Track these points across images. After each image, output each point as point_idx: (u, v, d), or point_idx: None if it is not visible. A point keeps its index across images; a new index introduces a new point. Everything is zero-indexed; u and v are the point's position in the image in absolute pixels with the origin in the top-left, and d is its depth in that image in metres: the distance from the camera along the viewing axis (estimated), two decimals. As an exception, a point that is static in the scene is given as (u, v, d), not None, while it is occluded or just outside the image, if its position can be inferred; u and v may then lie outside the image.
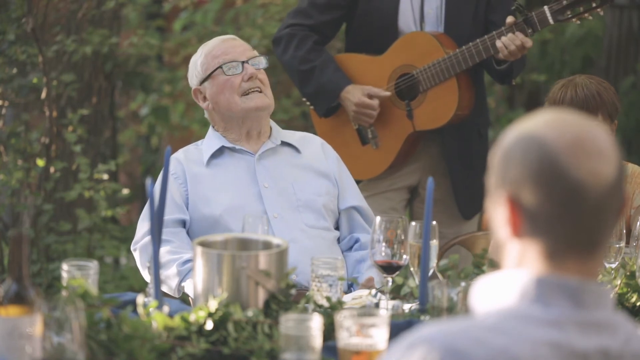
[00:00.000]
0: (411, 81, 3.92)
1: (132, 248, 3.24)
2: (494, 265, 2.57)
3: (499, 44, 3.74)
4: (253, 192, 3.29)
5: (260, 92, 3.32)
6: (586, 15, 3.76)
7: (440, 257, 2.73)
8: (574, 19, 3.78)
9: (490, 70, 3.94)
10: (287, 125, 5.36)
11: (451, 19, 3.94)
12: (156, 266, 2.39)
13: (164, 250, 3.10)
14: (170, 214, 3.19)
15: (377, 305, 2.60)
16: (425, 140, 4.04)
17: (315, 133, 4.19)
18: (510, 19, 3.75)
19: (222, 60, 3.32)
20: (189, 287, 3.05)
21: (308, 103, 4.09)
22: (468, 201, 4.06)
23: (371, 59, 3.98)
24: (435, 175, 4.02)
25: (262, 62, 3.35)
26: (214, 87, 3.33)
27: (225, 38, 3.40)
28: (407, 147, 4.01)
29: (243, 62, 3.31)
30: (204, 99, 3.36)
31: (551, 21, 3.75)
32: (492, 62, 3.84)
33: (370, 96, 3.92)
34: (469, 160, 4.04)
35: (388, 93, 3.93)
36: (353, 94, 3.93)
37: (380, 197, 4.10)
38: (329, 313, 2.33)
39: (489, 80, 4.96)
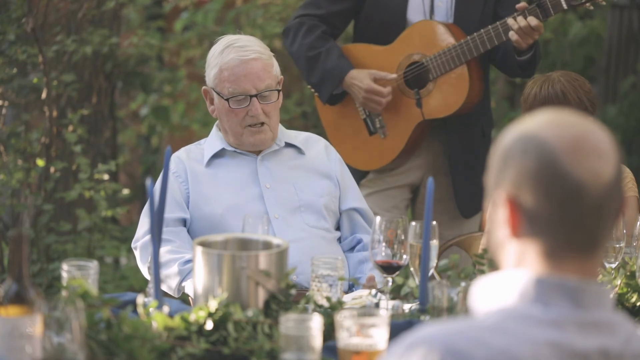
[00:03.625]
0: (420, 69, 3.91)
1: (132, 246, 3.24)
2: (494, 265, 2.57)
3: (510, 21, 3.73)
4: (254, 192, 3.28)
5: (263, 125, 3.27)
6: (599, 0, 3.74)
7: (437, 258, 2.72)
8: (587, 4, 3.75)
9: (511, 63, 3.88)
10: (287, 125, 5.36)
11: (461, 13, 3.93)
12: (156, 266, 2.39)
13: (164, 249, 3.10)
14: (171, 213, 3.19)
15: (377, 305, 2.60)
16: (430, 137, 4.03)
17: (320, 129, 4.19)
18: (521, 4, 3.73)
19: (231, 90, 3.24)
20: (189, 287, 3.05)
21: (313, 90, 4.07)
22: (468, 200, 4.05)
23: (380, 48, 3.98)
24: (438, 174, 4.02)
25: (273, 96, 3.27)
26: (220, 105, 3.30)
27: (244, 59, 3.24)
28: (416, 137, 3.98)
29: (252, 97, 3.25)
30: (212, 102, 3.35)
31: (565, 6, 3.73)
32: (513, 53, 3.82)
33: (376, 80, 3.90)
34: (471, 158, 4.03)
35: (394, 75, 3.91)
36: (361, 80, 3.90)
37: (383, 195, 4.09)
38: (329, 313, 2.33)
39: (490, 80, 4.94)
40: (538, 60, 3.89)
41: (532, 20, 3.70)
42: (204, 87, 3.36)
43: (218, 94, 3.29)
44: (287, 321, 2.04)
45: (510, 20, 3.74)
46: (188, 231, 3.25)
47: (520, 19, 3.71)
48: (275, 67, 3.31)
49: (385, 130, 3.98)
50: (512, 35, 3.73)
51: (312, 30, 3.98)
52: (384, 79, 3.91)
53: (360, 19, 4.04)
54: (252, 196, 3.27)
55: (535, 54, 3.82)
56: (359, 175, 4.03)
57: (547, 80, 3.47)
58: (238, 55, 3.25)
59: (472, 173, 4.01)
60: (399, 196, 4.12)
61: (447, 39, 3.87)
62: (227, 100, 3.26)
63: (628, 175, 3.52)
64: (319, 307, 2.38)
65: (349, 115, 4.04)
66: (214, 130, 3.39)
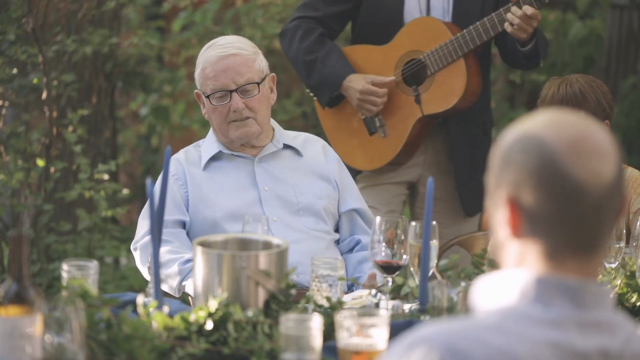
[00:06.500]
0: (418, 66, 3.91)
1: (132, 248, 3.23)
2: (494, 265, 2.57)
3: (508, 16, 3.72)
4: (253, 195, 3.27)
5: (248, 119, 3.27)
6: None
7: (439, 257, 2.72)
8: None
9: (516, 55, 3.88)
10: (287, 125, 5.36)
11: (458, 11, 3.92)
12: (156, 266, 2.39)
13: (164, 249, 3.10)
14: (170, 215, 3.19)
15: (377, 305, 2.60)
16: (431, 135, 4.03)
17: (320, 129, 4.18)
18: None
19: (211, 87, 3.25)
20: (189, 287, 3.05)
21: (312, 94, 4.07)
22: (472, 198, 4.04)
23: (377, 48, 3.97)
24: (437, 173, 4.01)
25: (255, 90, 3.25)
26: (207, 106, 3.31)
27: (223, 54, 3.26)
28: (416, 134, 3.97)
29: (232, 92, 3.25)
30: (203, 104, 3.35)
31: None
32: (517, 45, 3.82)
33: (374, 83, 3.90)
34: (474, 156, 4.02)
35: (392, 78, 3.91)
36: (356, 82, 3.90)
37: (378, 189, 4.08)
38: (329, 313, 2.33)
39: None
40: (543, 50, 3.87)
41: (528, 9, 3.69)
42: (195, 91, 3.36)
43: (203, 93, 3.29)
44: (287, 321, 2.04)
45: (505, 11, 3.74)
46: (188, 234, 3.25)
47: (515, 9, 3.71)
48: (259, 63, 3.29)
49: (385, 129, 3.97)
50: (507, 27, 3.73)
51: (309, 34, 3.98)
52: (383, 83, 3.90)
53: (358, 20, 4.04)
54: (251, 200, 3.27)
55: (538, 43, 3.81)
56: (355, 171, 4.03)
57: (565, 80, 3.48)
58: (217, 52, 3.26)
59: (475, 171, 4.00)
60: (394, 191, 4.11)
61: (443, 34, 3.86)
62: (208, 97, 3.26)
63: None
64: (319, 307, 2.38)
65: (348, 117, 4.04)
66: (211, 132, 3.39)
